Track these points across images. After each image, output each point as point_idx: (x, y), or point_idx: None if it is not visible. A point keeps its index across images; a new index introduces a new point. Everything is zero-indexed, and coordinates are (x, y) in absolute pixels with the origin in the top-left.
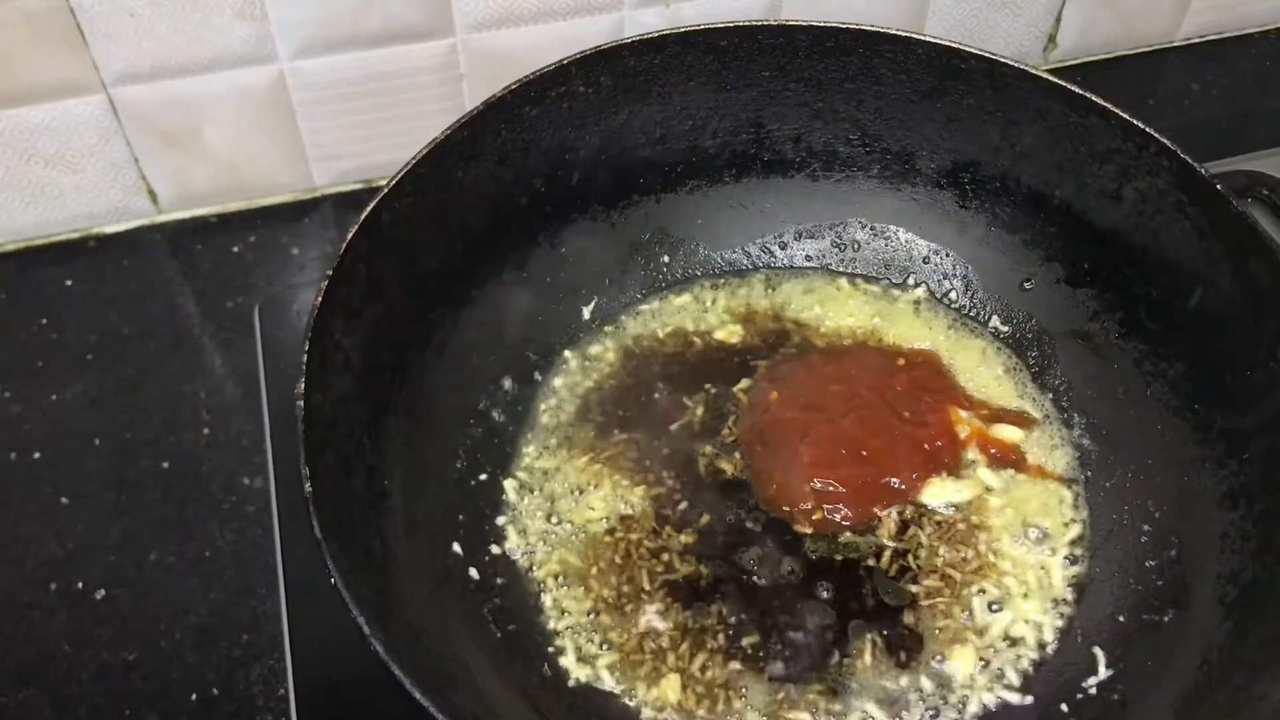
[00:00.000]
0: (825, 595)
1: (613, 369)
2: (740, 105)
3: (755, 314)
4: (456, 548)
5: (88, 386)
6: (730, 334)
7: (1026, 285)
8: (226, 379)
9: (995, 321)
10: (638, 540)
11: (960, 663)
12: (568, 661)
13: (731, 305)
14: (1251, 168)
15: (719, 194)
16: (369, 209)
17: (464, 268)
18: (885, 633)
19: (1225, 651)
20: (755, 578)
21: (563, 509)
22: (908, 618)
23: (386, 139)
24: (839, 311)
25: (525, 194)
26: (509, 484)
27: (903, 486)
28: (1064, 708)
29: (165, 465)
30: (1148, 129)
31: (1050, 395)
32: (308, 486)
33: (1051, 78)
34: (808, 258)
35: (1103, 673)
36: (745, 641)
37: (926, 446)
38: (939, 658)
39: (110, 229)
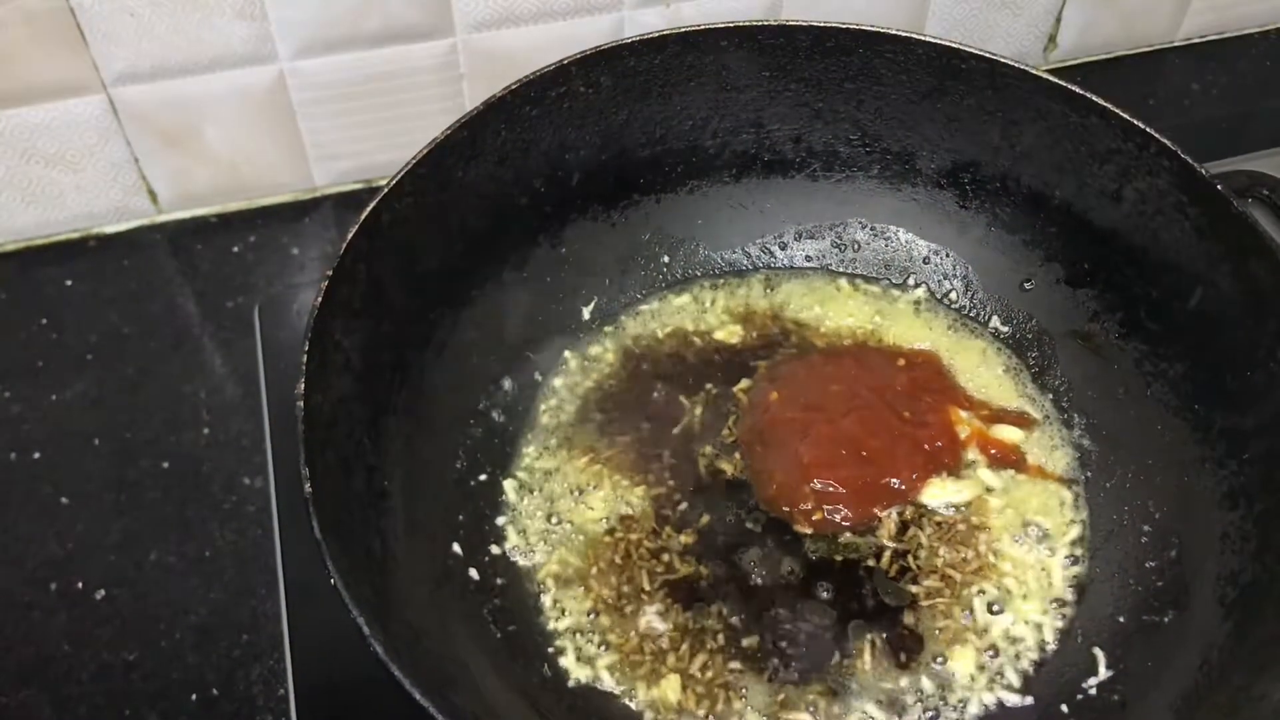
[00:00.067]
0: (825, 596)
1: (613, 369)
2: (740, 105)
3: (755, 314)
4: (456, 548)
5: (88, 386)
6: (730, 334)
7: (1026, 285)
8: (226, 379)
9: (995, 322)
10: (638, 541)
11: (960, 663)
12: (568, 662)
13: (731, 305)
14: (1251, 168)
15: (719, 194)
16: (369, 209)
17: (464, 268)
18: (885, 633)
19: (1225, 652)
20: (755, 578)
21: (563, 509)
22: (908, 618)
23: (386, 139)
24: (839, 312)
25: (525, 194)
26: (509, 484)
27: (903, 487)
28: (1064, 708)
29: (165, 465)
30: (1148, 129)
31: (1050, 395)
32: (308, 487)
33: (1052, 78)
34: (808, 258)
35: (1103, 673)
36: (745, 642)
37: (926, 447)
38: (939, 658)
39: (110, 229)
